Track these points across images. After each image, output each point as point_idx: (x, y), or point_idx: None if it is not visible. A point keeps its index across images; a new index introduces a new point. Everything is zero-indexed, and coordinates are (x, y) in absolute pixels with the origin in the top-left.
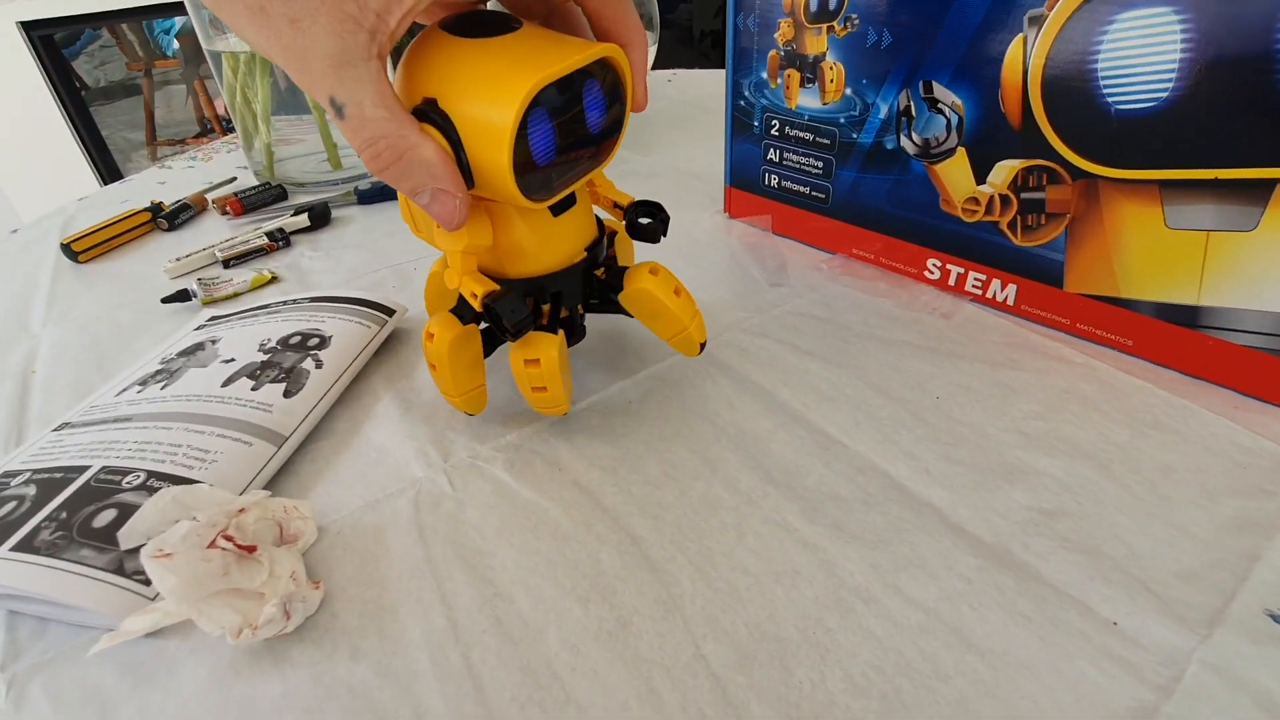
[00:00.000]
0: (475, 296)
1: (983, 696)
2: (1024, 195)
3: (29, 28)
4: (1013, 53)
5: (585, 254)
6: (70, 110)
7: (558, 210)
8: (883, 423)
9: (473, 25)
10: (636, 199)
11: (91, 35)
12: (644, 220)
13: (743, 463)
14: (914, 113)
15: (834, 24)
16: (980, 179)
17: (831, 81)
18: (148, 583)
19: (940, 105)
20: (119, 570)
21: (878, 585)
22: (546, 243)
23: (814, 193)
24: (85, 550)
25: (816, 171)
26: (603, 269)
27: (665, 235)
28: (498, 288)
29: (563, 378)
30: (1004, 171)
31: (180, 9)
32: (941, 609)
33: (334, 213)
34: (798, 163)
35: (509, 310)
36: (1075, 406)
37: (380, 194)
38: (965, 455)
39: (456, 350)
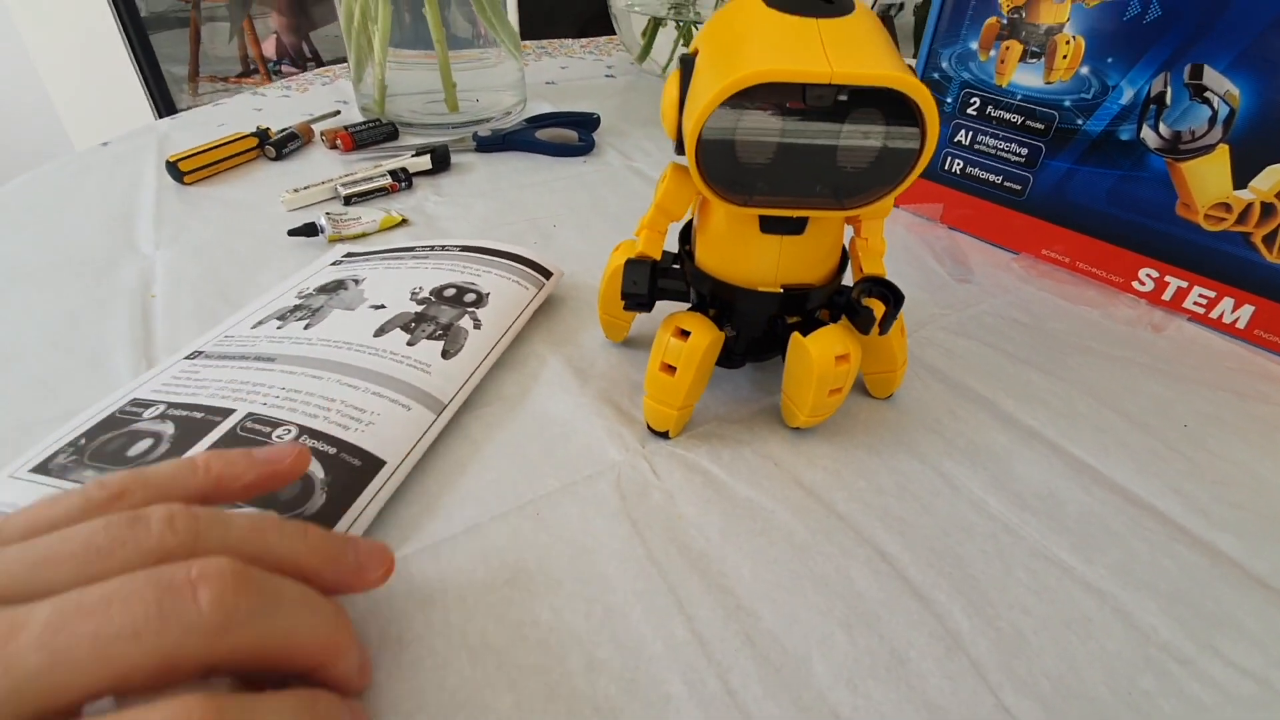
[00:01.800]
0: (634, 249)
1: None
2: None
3: None
4: None
5: (781, 290)
6: (131, 35)
7: (768, 227)
8: (1134, 450)
9: (786, 1)
10: (886, 275)
11: None
12: (865, 302)
13: (986, 482)
14: (1169, 100)
15: None
16: (1240, 183)
17: (1065, 58)
18: None
19: (1208, 94)
20: None
21: (1190, 645)
22: (737, 252)
23: (1008, 183)
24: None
25: (1018, 159)
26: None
27: (883, 332)
28: (654, 256)
29: (696, 378)
30: (1275, 176)
31: None
32: (1274, 679)
33: (452, 158)
34: (994, 148)
35: (630, 278)
36: None
37: (501, 143)
38: (1243, 498)
39: (708, 357)
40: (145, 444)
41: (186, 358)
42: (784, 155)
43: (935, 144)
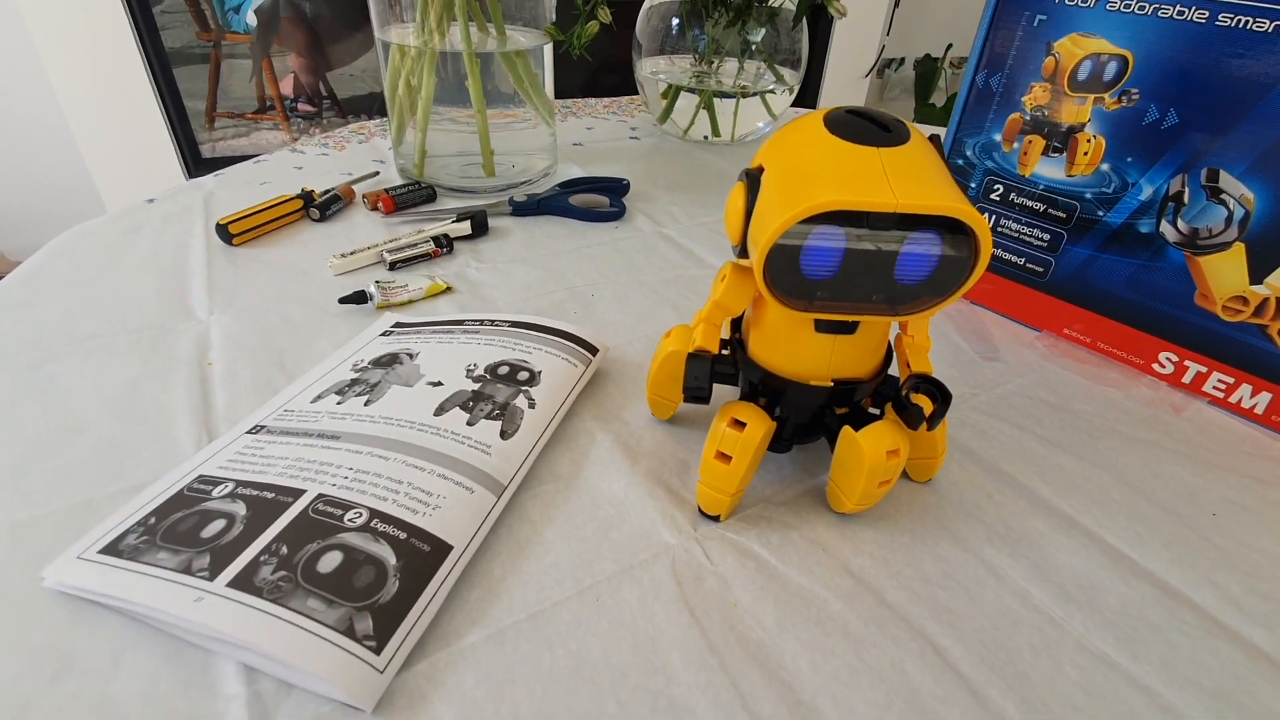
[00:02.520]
0: (693, 343)
1: None
2: None
3: None
4: None
5: (831, 384)
6: (154, 67)
7: (823, 327)
8: (1168, 539)
9: (847, 126)
10: (933, 373)
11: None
12: (913, 399)
13: (1027, 572)
14: (1187, 199)
15: (1105, 95)
16: (1256, 279)
17: (1085, 154)
18: (379, 649)
19: (1224, 196)
20: (349, 631)
21: None
22: (792, 348)
23: (1031, 265)
24: (313, 600)
25: (1040, 244)
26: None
27: (931, 428)
28: (713, 350)
29: (750, 466)
30: None
31: None
32: None
33: (490, 223)
34: (1018, 232)
35: (692, 374)
36: None
37: (536, 208)
38: (1272, 589)
39: (761, 446)
40: (219, 525)
41: (248, 432)
42: (845, 270)
43: (987, 264)
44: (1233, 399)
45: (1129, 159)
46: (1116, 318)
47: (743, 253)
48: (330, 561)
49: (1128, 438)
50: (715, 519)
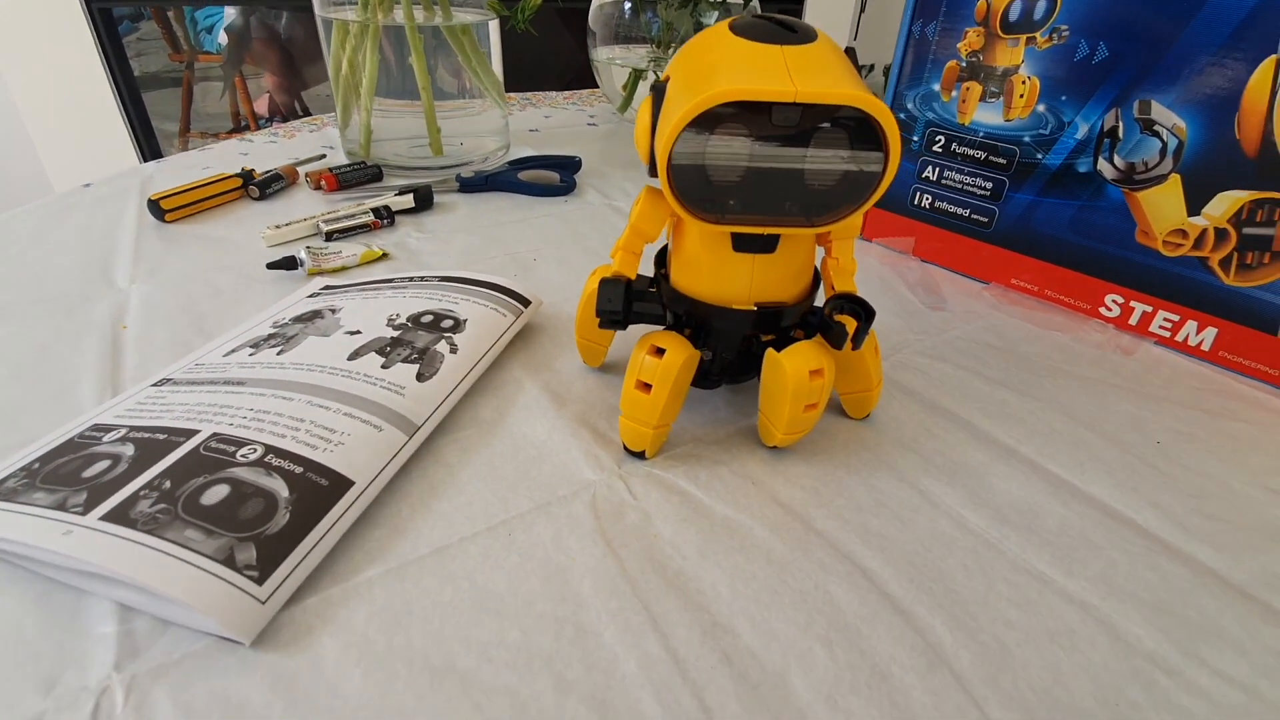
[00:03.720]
0: (608, 269)
1: None
2: (1247, 230)
3: None
4: (1260, 75)
5: (755, 308)
6: (122, 90)
7: (740, 245)
8: (1110, 465)
9: (752, 29)
10: (856, 292)
11: (130, 27)
12: (838, 318)
13: (964, 498)
14: (1121, 134)
15: (1036, 35)
16: (1194, 210)
17: (1021, 97)
18: (262, 579)
19: (1157, 127)
20: (229, 561)
21: (1176, 655)
22: (713, 271)
23: (975, 215)
24: (191, 531)
25: (983, 193)
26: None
27: (856, 346)
28: (630, 275)
29: (672, 396)
30: (1226, 203)
31: None
32: (1261, 688)
33: (435, 198)
34: (960, 183)
35: (604, 296)
36: None
37: (484, 184)
38: (1218, 510)
39: (684, 375)
40: (102, 465)
41: (154, 385)
42: (754, 173)
43: (898, 162)
44: (1179, 337)
45: (1063, 98)
46: (1062, 262)
47: (653, 171)
48: (215, 494)
49: (1075, 376)
50: (641, 455)
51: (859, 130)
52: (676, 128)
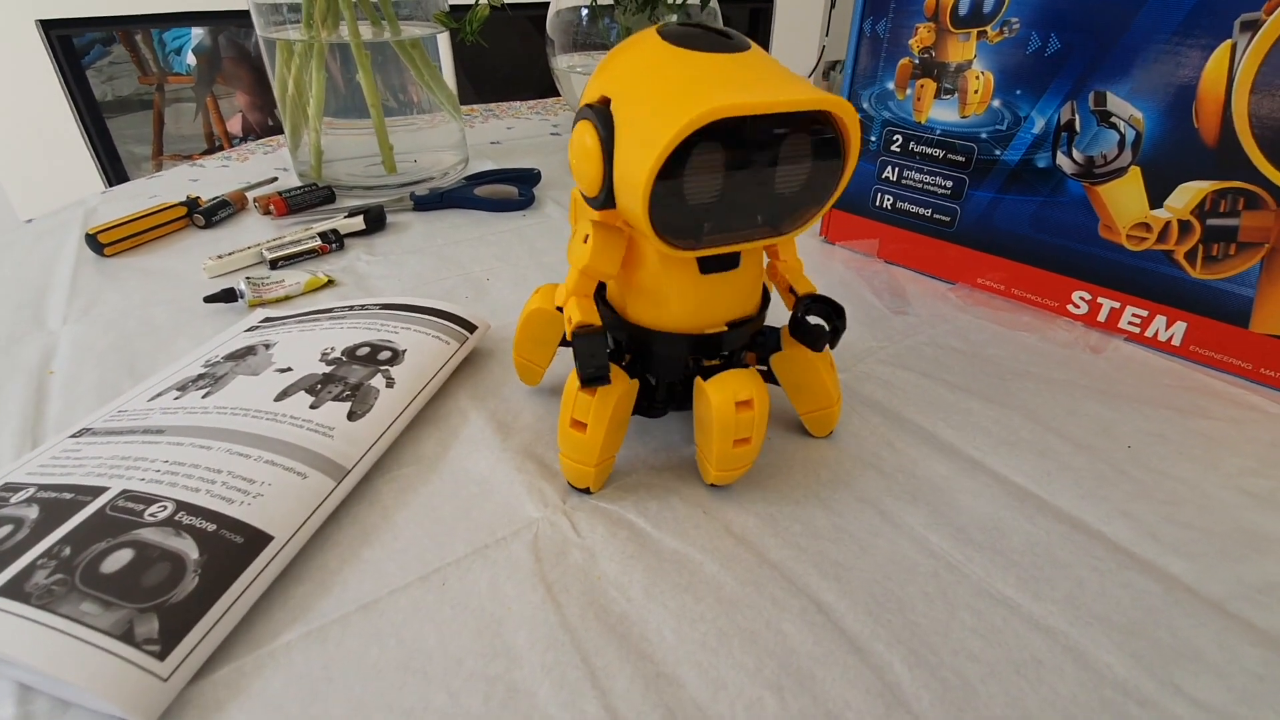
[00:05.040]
0: (570, 322)
1: None
2: (1211, 221)
3: (48, 27)
4: (1216, 62)
5: (725, 328)
6: (84, 117)
7: (708, 268)
8: (1079, 474)
9: (688, 38)
10: (817, 291)
11: (101, 51)
12: (812, 320)
13: (928, 518)
14: (1079, 127)
15: (987, 29)
16: (1155, 203)
17: (975, 93)
18: (164, 654)
19: (1114, 119)
20: (127, 636)
21: (1150, 682)
22: (680, 299)
23: (937, 215)
24: (87, 604)
25: (943, 192)
26: (753, 353)
27: (833, 347)
28: (598, 323)
29: (610, 431)
30: (1188, 194)
31: (196, 19)
32: (1240, 714)
33: (389, 218)
34: (921, 182)
35: (587, 355)
36: None
37: (439, 201)
38: (1191, 517)
39: (621, 409)
40: (3, 530)
41: (72, 436)
42: (729, 189)
43: (858, 156)
44: (1149, 332)
45: (1018, 92)
46: (1026, 260)
47: (605, 203)
48: (117, 561)
49: (1042, 379)
50: (586, 491)
51: (818, 131)
52: (665, 151)
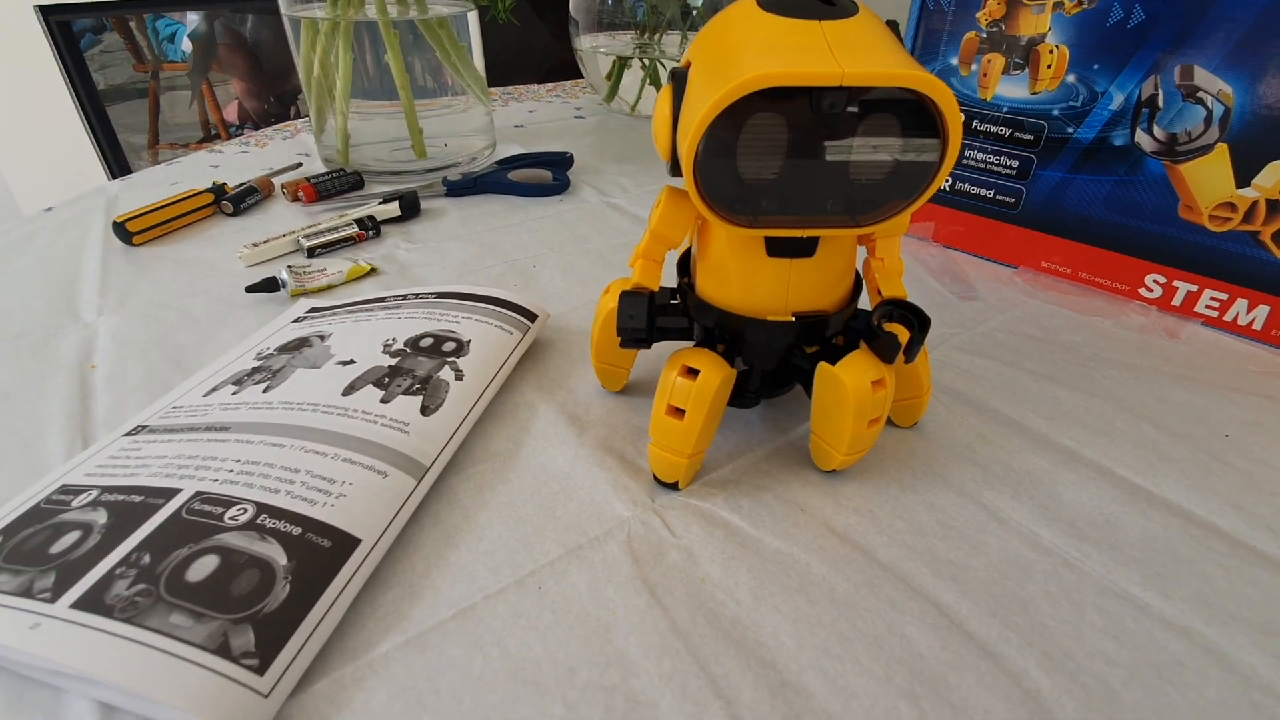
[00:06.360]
0: (628, 284)
1: None
2: None
3: (47, 12)
4: None
5: (793, 318)
6: (85, 104)
7: (775, 250)
8: (1182, 465)
9: (783, 3)
10: (907, 297)
11: (93, 39)
12: (888, 328)
13: (1033, 513)
14: (1161, 103)
15: (1064, 0)
16: (1243, 181)
17: (1049, 67)
18: (263, 668)
19: (1201, 94)
20: (223, 649)
21: None
22: (745, 279)
23: (1001, 196)
24: (176, 615)
25: (1009, 172)
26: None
27: (909, 359)
28: (653, 287)
29: (707, 421)
30: (1278, 173)
31: (193, 3)
32: None
33: (422, 204)
34: (984, 162)
35: (625, 312)
36: None
37: (472, 186)
38: None
39: (720, 397)
40: (72, 537)
41: (127, 434)
42: (791, 169)
43: (959, 149)
44: (1228, 316)
45: (1096, 66)
46: (1097, 243)
47: (675, 170)
48: (203, 568)
49: (1124, 365)
50: (674, 486)
51: (911, 114)
52: (704, 121)
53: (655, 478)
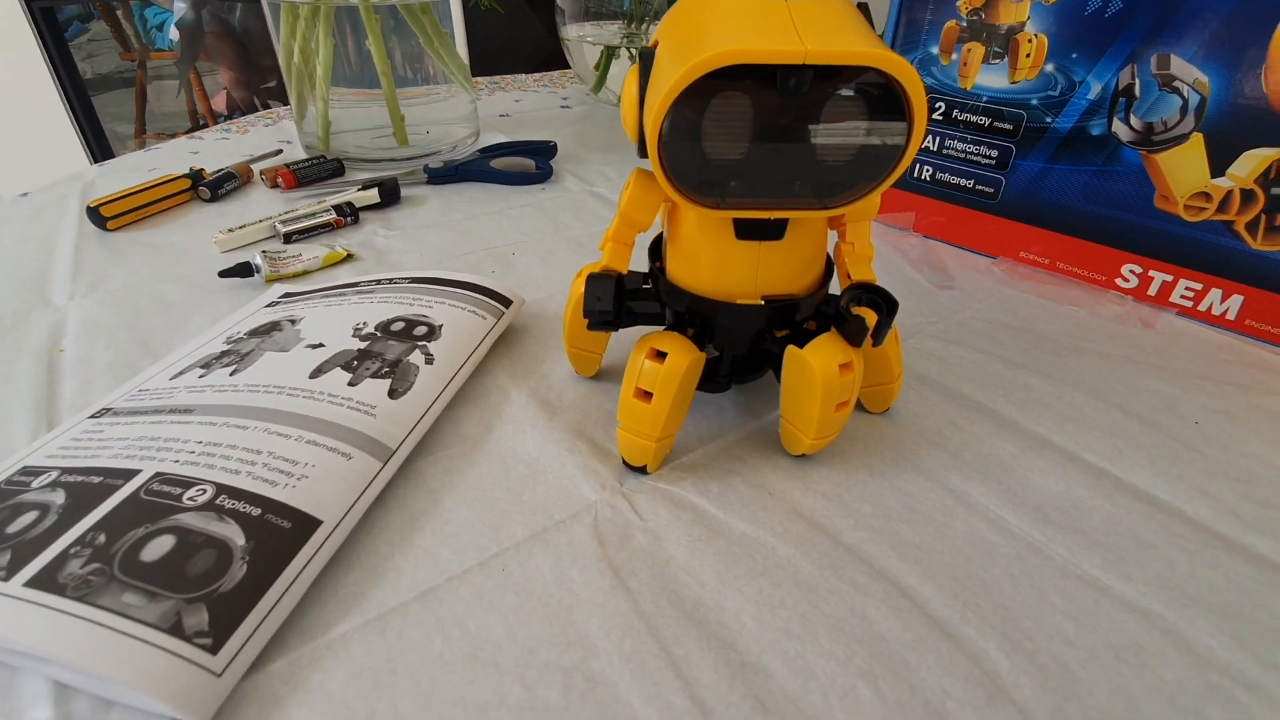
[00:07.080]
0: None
1: None
2: (1276, 190)
3: None
4: None
5: (762, 302)
6: (69, 93)
7: (744, 232)
8: (1150, 451)
9: None
10: (876, 281)
11: (80, 28)
12: (856, 311)
13: (1001, 497)
14: (1138, 92)
15: None
16: (1217, 171)
17: (1028, 56)
18: (216, 647)
19: (1177, 83)
20: (176, 629)
21: (1254, 666)
22: (714, 262)
23: (980, 186)
24: (129, 595)
25: (988, 162)
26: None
27: (877, 343)
28: (621, 270)
29: (675, 404)
30: (1253, 162)
31: None
32: None
33: (402, 191)
34: (964, 152)
35: (592, 294)
36: None
37: (454, 174)
38: (1269, 495)
39: (689, 381)
40: (29, 517)
41: (91, 416)
42: (758, 150)
43: (924, 130)
44: (1202, 306)
45: (1074, 55)
46: (1074, 233)
47: (643, 150)
48: (159, 548)
49: (1097, 354)
50: (643, 470)
51: (878, 96)
52: (667, 99)
53: (624, 462)
